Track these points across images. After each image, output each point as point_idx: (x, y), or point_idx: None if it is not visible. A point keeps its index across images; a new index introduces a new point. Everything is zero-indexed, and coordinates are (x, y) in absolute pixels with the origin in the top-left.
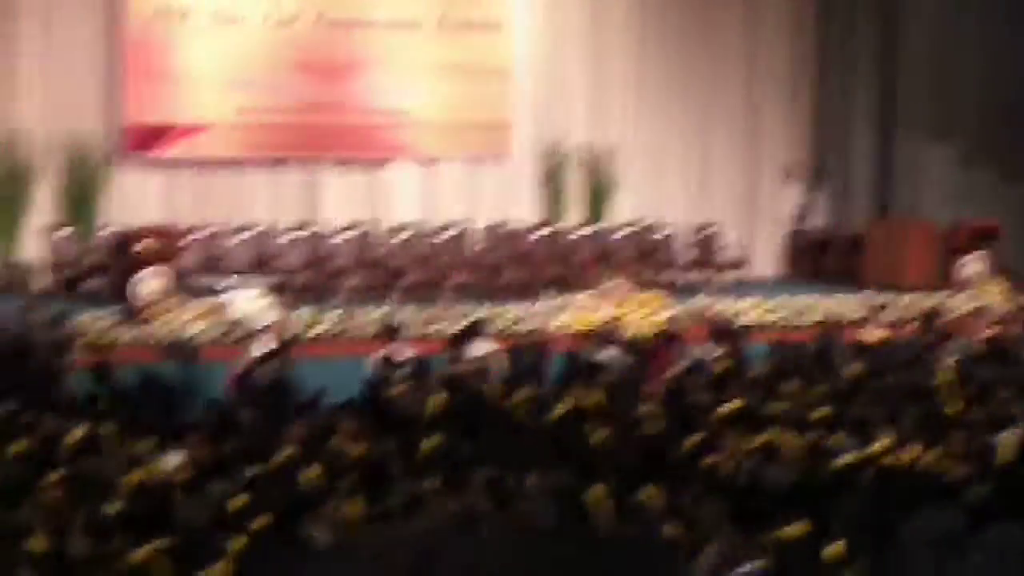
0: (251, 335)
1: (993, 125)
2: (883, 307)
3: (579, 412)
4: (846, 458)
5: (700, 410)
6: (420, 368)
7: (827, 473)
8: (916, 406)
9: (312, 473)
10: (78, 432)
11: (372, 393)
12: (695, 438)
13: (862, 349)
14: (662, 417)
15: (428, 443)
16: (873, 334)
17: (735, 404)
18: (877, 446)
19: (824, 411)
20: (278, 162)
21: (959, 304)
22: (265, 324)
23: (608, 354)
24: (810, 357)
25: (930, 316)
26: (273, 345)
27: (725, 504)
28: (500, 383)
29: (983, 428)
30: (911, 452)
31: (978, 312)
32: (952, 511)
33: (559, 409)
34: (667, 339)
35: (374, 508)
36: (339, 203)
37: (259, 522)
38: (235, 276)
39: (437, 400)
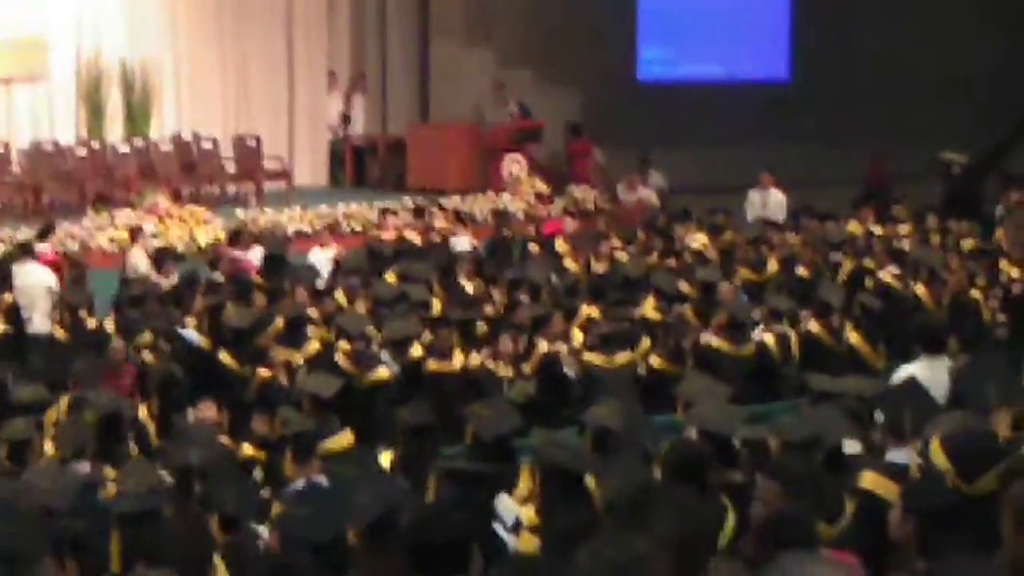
0: None
1: (529, 26)
2: (422, 209)
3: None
4: (380, 372)
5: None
6: None
7: (367, 383)
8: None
9: None
10: None
11: None
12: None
13: (400, 254)
14: (206, 333)
15: None
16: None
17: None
18: (413, 352)
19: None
20: None
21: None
22: None
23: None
24: (360, 264)
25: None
26: None
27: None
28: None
29: (525, 329)
30: (455, 357)
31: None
32: (503, 409)
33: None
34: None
35: None
36: None
37: None
38: None
39: None
